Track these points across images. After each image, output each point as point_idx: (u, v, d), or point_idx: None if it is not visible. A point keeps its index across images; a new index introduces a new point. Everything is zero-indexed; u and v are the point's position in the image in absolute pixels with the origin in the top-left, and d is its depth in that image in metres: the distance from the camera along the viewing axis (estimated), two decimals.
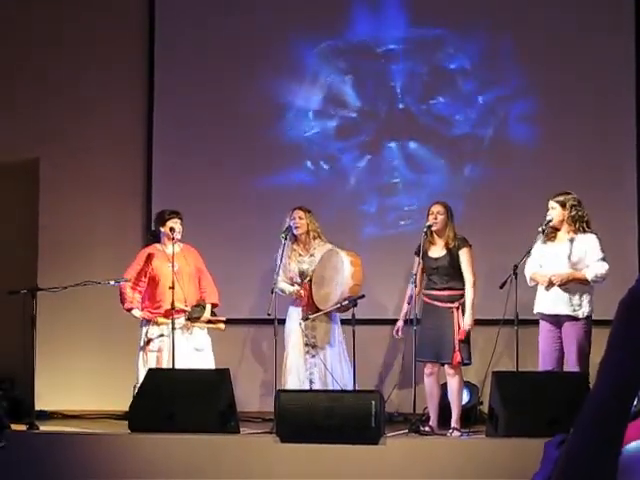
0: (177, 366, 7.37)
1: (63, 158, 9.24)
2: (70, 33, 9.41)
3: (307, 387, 7.48)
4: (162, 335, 7.67)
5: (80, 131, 9.27)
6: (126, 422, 6.97)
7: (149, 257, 7.82)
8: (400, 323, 7.49)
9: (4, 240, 9.33)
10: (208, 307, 7.82)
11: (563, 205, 7.20)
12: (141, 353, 7.70)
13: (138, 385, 7.40)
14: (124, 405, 7.38)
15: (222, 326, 7.86)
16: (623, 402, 1.36)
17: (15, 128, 9.29)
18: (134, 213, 9.20)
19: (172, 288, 7.50)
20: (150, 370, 7.16)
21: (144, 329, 7.75)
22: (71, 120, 9.30)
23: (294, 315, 7.75)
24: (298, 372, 7.59)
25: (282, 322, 7.66)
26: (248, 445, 6.55)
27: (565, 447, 1.40)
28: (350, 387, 7.46)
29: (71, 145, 9.26)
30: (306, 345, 7.63)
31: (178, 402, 6.72)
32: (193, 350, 7.63)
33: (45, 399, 8.37)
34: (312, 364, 7.61)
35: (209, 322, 7.80)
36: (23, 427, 7.11)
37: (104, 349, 8.22)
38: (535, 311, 7.26)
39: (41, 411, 8.09)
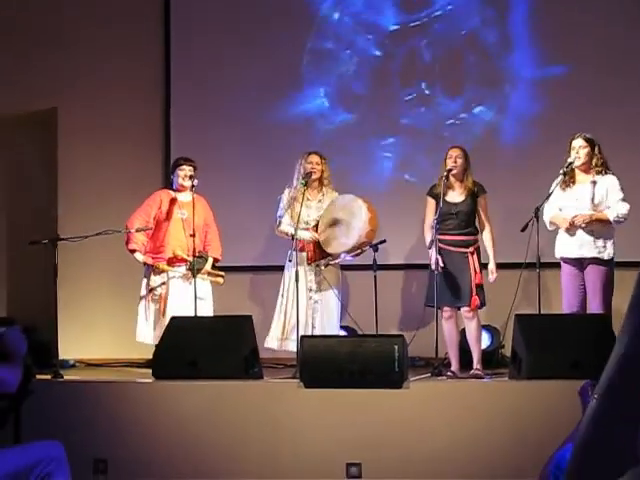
0: (179, 314, 7.35)
1: (81, 107, 9.23)
2: None
3: (309, 332, 7.48)
4: (164, 283, 7.70)
5: (97, 80, 9.25)
6: (149, 370, 7.01)
7: (160, 201, 7.84)
8: (435, 256, 7.21)
9: (24, 191, 9.32)
10: (210, 260, 7.84)
11: (592, 145, 7.11)
12: (143, 302, 7.75)
13: (138, 336, 7.59)
14: (147, 353, 7.42)
15: (220, 280, 7.87)
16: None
17: (32, 78, 9.25)
18: (153, 161, 9.19)
19: (193, 236, 7.56)
20: (173, 318, 7.16)
21: (145, 280, 7.79)
22: (88, 69, 9.28)
23: (298, 259, 7.69)
24: (302, 317, 7.56)
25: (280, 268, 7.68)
26: (272, 391, 6.56)
27: (589, 410, 1.38)
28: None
29: (89, 94, 9.24)
30: (310, 290, 7.63)
31: (201, 349, 6.73)
32: (193, 298, 7.55)
33: (67, 348, 8.41)
34: (315, 309, 7.62)
35: (208, 274, 7.82)
36: (48, 376, 7.14)
37: (126, 298, 8.22)
38: (557, 255, 7.21)
39: (64, 360, 8.14)
